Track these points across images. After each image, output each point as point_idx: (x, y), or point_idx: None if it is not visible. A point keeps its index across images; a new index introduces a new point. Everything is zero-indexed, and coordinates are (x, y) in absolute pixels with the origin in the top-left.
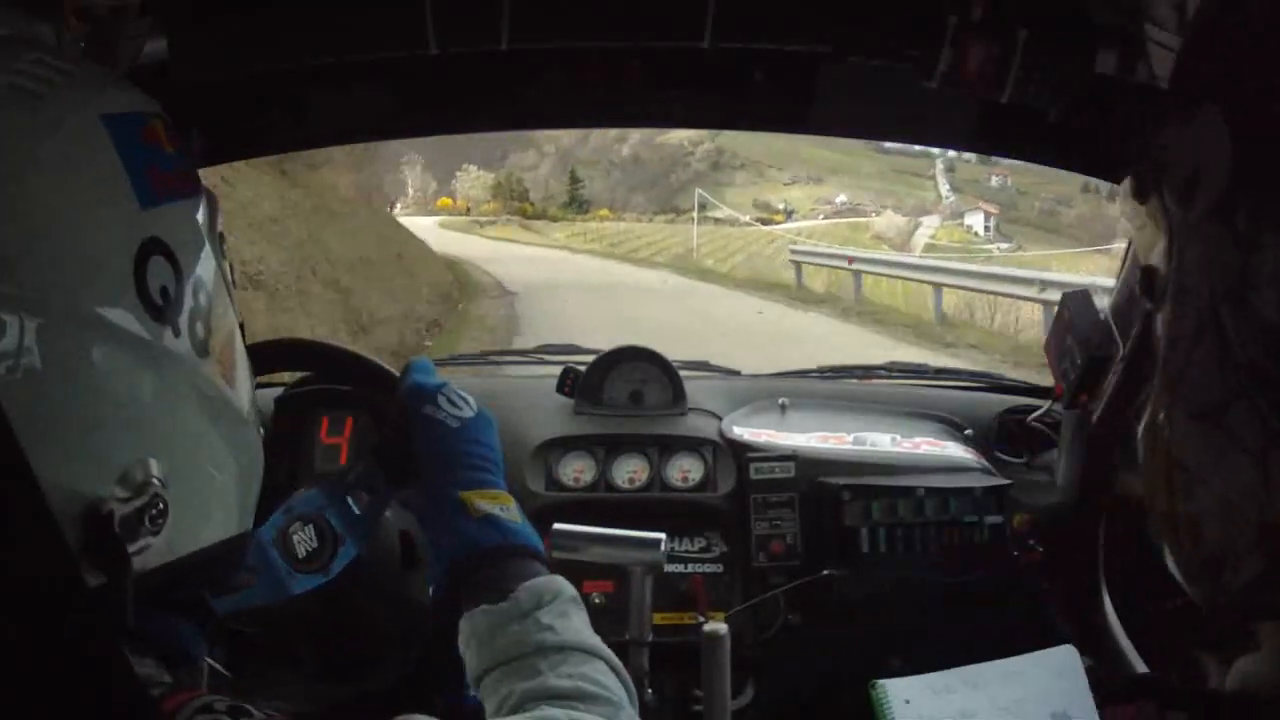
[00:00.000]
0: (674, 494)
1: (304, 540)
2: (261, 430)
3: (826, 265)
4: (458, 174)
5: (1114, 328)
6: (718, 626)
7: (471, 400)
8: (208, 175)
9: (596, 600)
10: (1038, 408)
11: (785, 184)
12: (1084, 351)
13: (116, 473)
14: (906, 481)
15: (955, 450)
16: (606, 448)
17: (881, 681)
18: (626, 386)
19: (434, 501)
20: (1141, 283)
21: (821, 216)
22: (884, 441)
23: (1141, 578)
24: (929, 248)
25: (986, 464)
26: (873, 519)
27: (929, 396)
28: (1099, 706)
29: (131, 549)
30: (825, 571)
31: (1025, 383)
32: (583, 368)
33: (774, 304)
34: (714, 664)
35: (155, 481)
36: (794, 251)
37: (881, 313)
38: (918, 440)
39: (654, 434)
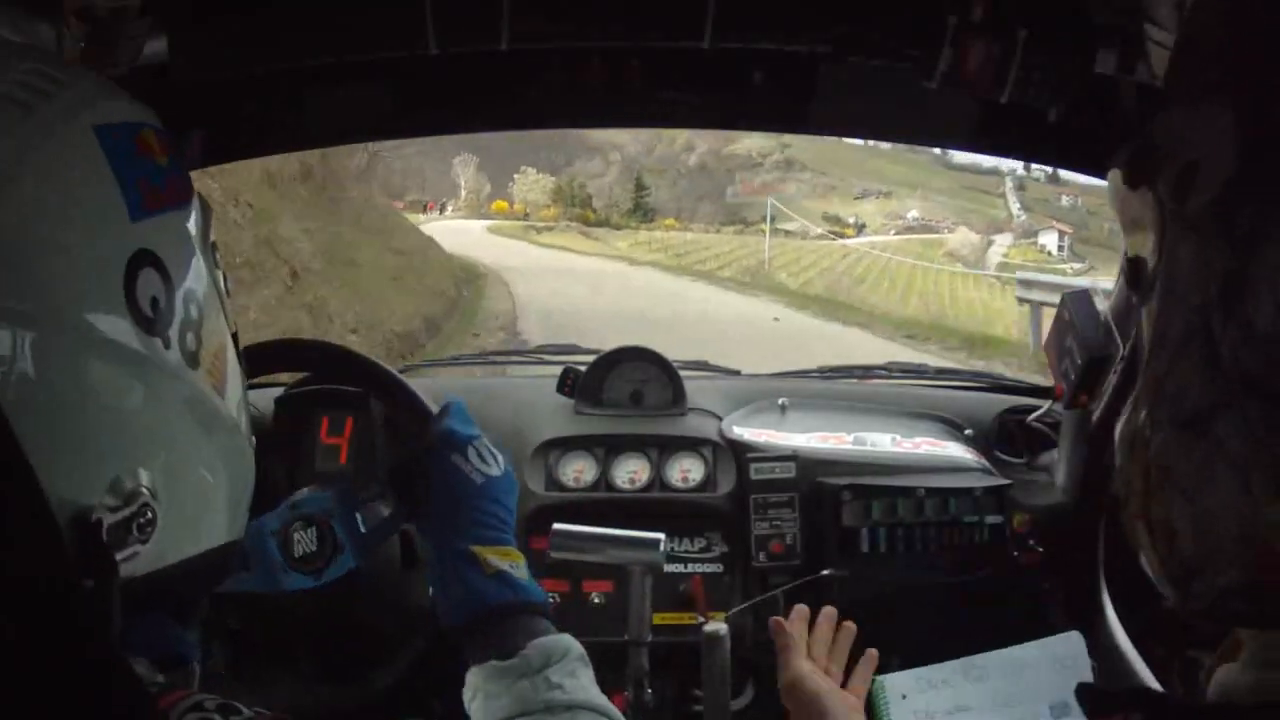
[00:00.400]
0: (674, 494)
1: (304, 541)
2: (252, 440)
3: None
4: (515, 176)
5: (1114, 328)
6: (718, 626)
7: (500, 459)
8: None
9: (596, 600)
10: (1038, 408)
11: (855, 197)
12: (1084, 352)
13: (106, 482)
14: (906, 481)
15: (955, 450)
16: (606, 448)
17: (879, 677)
18: (627, 386)
19: (446, 548)
20: (1128, 275)
21: (893, 232)
22: (884, 441)
23: (1141, 578)
24: (1002, 266)
25: (986, 464)
26: (873, 519)
27: (929, 396)
28: (1087, 716)
29: (119, 556)
30: (825, 571)
31: (1025, 383)
32: (583, 368)
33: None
34: (714, 664)
35: (144, 491)
36: (1022, 283)
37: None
38: (918, 440)
39: (654, 434)
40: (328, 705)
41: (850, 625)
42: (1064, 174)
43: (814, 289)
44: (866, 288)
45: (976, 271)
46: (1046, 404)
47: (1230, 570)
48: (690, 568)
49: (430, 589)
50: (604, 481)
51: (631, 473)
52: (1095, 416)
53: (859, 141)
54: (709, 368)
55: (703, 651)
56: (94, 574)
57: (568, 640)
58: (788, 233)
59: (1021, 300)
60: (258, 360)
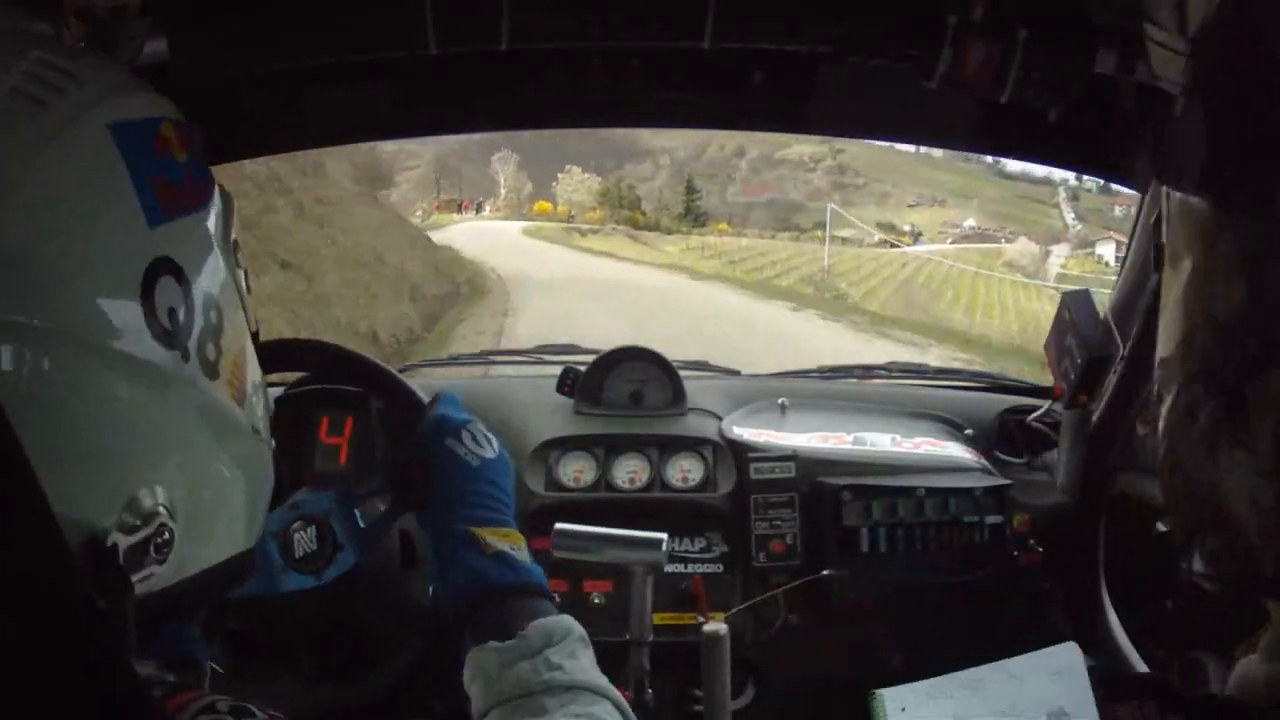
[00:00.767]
0: (674, 494)
1: (304, 541)
2: (272, 443)
3: None
4: (559, 175)
5: (1114, 328)
6: (718, 626)
7: (494, 441)
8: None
9: (596, 600)
10: (1038, 408)
11: (910, 205)
12: (1084, 351)
13: (123, 500)
14: (906, 481)
15: (955, 450)
16: (606, 448)
17: (879, 691)
18: (626, 386)
19: (445, 532)
20: (1154, 256)
21: (949, 241)
22: (884, 441)
23: (1141, 578)
24: (1060, 278)
25: (986, 464)
26: (873, 519)
27: (929, 396)
28: (1100, 702)
29: (136, 577)
30: (825, 571)
31: (1025, 383)
32: (583, 368)
33: None
34: (714, 664)
35: (162, 510)
36: None
37: None
38: (918, 440)
39: (654, 434)
40: (328, 705)
41: None
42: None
43: (890, 307)
44: (946, 302)
45: (1037, 282)
46: (1046, 404)
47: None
48: (690, 568)
49: (430, 589)
50: (604, 481)
51: (631, 473)
52: (1095, 416)
53: (910, 149)
54: (709, 368)
55: (703, 651)
56: (108, 595)
57: (568, 621)
58: (844, 240)
59: None
60: None
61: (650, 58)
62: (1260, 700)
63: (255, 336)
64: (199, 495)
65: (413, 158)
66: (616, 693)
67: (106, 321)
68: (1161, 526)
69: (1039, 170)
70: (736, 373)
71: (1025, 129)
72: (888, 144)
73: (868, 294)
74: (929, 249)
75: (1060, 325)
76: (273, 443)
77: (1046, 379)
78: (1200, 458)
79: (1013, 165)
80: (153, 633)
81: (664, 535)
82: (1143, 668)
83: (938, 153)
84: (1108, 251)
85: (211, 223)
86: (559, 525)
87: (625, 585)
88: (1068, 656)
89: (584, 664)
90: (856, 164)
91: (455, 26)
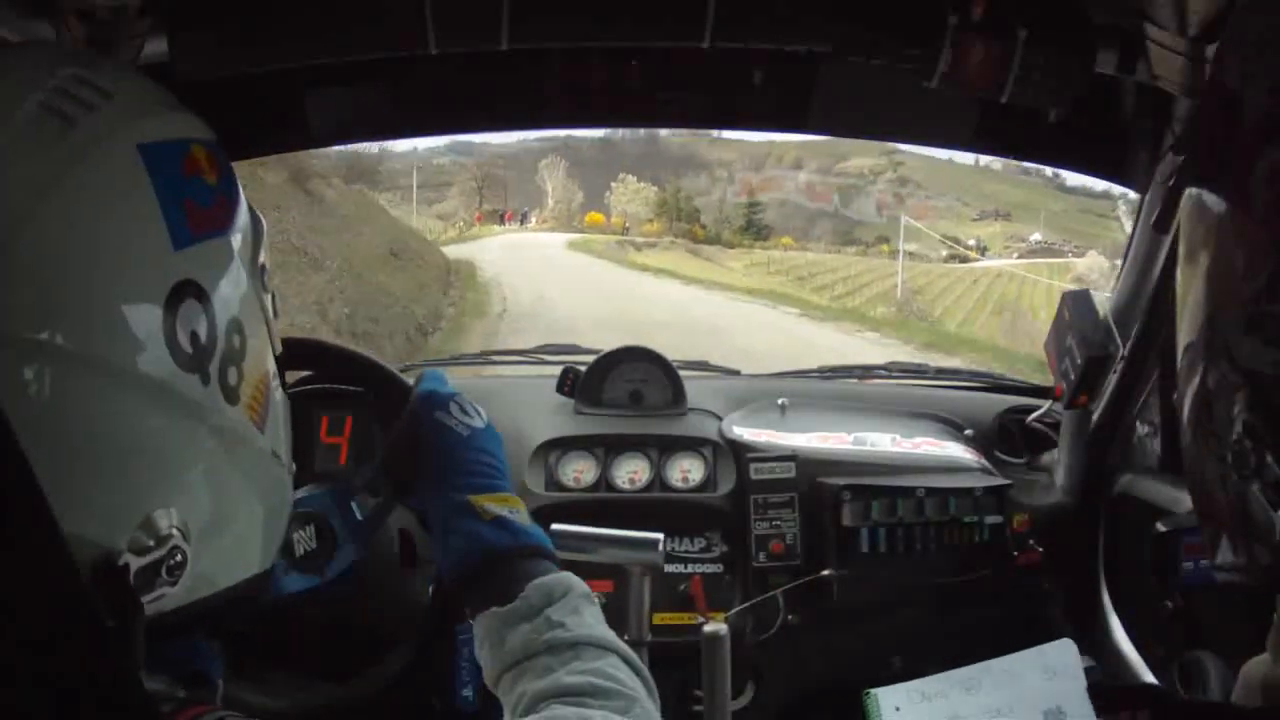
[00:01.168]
0: (674, 494)
1: (303, 540)
2: (293, 467)
3: None
4: (613, 185)
5: (1114, 328)
6: (718, 626)
7: (482, 412)
8: None
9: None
10: (1038, 408)
11: (973, 219)
12: (1084, 351)
13: (136, 521)
14: (906, 481)
15: (955, 450)
16: (606, 448)
17: (873, 690)
18: (627, 386)
19: (442, 505)
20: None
21: (1016, 255)
22: (884, 441)
23: (1141, 578)
24: None
25: (986, 464)
26: (873, 519)
27: (929, 396)
28: (1096, 713)
29: (147, 598)
30: (825, 571)
31: (1025, 383)
32: (583, 368)
33: None
34: (714, 664)
35: (175, 532)
36: None
37: None
38: (918, 440)
39: (654, 434)
40: (327, 705)
41: None
42: None
43: (985, 330)
44: (1043, 322)
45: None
46: (1046, 404)
47: None
48: (690, 568)
49: (430, 589)
50: (604, 481)
51: (631, 473)
52: (1095, 416)
53: (970, 160)
54: (709, 367)
55: (703, 651)
56: (117, 614)
57: (569, 578)
58: (911, 254)
59: None
60: None
61: (650, 58)
62: (1268, 701)
63: (279, 360)
64: (214, 518)
65: (462, 170)
66: (624, 645)
67: (127, 342)
68: (1161, 527)
69: (1098, 184)
70: (736, 372)
71: (1025, 129)
72: (947, 157)
73: (945, 313)
74: (999, 263)
75: (1060, 325)
76: (293, 467)
77: None
78: (1225, 440)
79: (1073, 178)
80: (164, 648)
81: (660, 535)
82: (1143, 668)
83: (997, 165)
84: None
85: (238, 246)
86: (556, 526)
87: (624, 585)
88: (1063, 654)
89: (587, 619)
90: (917, 176)
91: (455, 26)
